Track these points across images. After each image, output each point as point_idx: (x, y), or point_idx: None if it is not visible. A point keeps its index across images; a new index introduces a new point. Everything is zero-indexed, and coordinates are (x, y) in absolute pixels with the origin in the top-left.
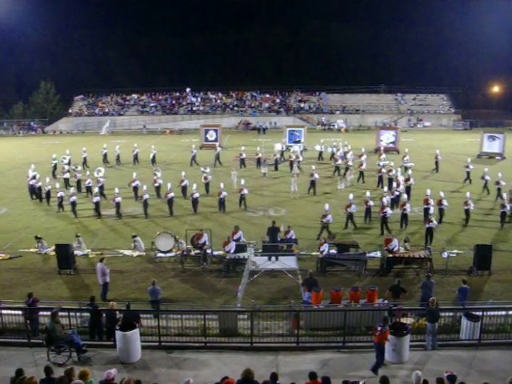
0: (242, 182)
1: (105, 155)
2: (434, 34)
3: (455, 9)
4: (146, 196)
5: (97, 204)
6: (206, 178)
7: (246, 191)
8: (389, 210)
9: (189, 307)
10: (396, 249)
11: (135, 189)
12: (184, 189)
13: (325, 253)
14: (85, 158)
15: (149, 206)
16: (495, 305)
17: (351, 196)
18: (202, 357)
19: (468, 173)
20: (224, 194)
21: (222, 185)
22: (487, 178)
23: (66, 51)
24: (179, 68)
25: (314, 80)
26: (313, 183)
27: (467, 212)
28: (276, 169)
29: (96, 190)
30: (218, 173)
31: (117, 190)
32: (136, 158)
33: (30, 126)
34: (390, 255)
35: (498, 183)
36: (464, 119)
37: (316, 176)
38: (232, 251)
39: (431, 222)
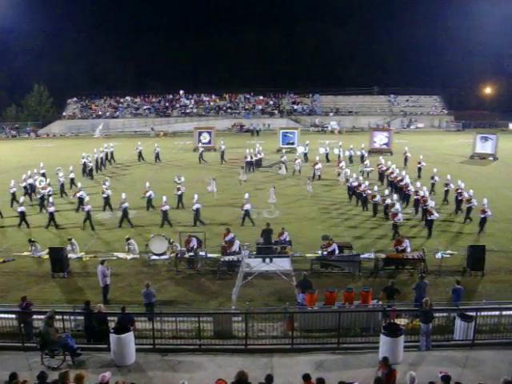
0: (246, 195)
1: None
2: (426, 35)
3: (448, 11)
4: (88, 207)
5: (51, 214)
6: (178, 189)
7: (249, 206)
8: (435, 214)
9: (183, 310)
10: (409, 250)
11: (80, 199)
12: (150, 200)
13: (336, 252)
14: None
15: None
16: (489, 305)
17: (396, 199)
18: (197, 359)
19: (419, 169)
20: (197, 206)
21: (196, 196)
22: (436, 178)
23: (59, 54)
24: (172, 70)
25: (307, 82)
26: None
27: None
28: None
29: (22, 198)
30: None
31: (51, 200)
32: (142, 155)
33: (25, 129)
34: (384, 256)
35: (447, 185)
36: (457, 120)
37: (389, 201)
38: (237, 250)
39: (432, 214)
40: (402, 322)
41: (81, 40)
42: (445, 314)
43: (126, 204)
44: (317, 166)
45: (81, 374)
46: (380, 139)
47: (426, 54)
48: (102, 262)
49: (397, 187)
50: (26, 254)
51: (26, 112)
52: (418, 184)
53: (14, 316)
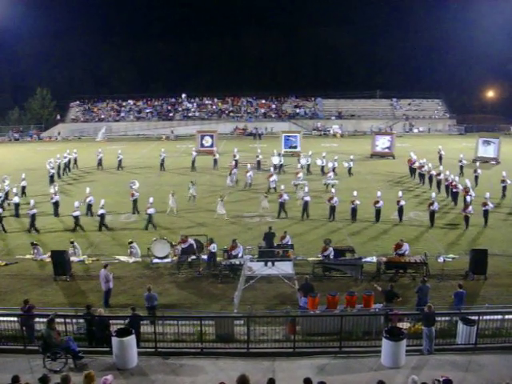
0: (151, 199)
1: (72, 161)
2: (429, 39)
3: (450, 15)
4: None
5: None
6: (133, 195)
7: (152, 210)
8: (490, 204)
9: (185, 313)
10: (407, 253)
11: (16, 205)
12: (89, 206)
13: (331, 256)
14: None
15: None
16: (491, 309)
17: (434, 194)
18: (199, 363)
19: (461, 167)
20: (101, 211)
21: (76, 203)
22: (479, 172)
23: (61, 57)
24: (175, 74)
25: (309, 86)
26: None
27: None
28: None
29: None
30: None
31: None
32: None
33: (28, 132)
34: (385, 259)
35: (503, 181)
36: (459, 124)
37: (403, 203)
38: (240, 255)
39: (487, 204)
40: (404, 325)
41: (83, 43)
42: (447, 318)
43: (35, 210)
44: (271, 178)
45: (90, 374)
46: (382, 143)
47: (428, 58)
48: (105, 266)
49: (431, 180)
50: (28, 257)
51: (29, 115)
52: (467, 181)
53: (16, 319)
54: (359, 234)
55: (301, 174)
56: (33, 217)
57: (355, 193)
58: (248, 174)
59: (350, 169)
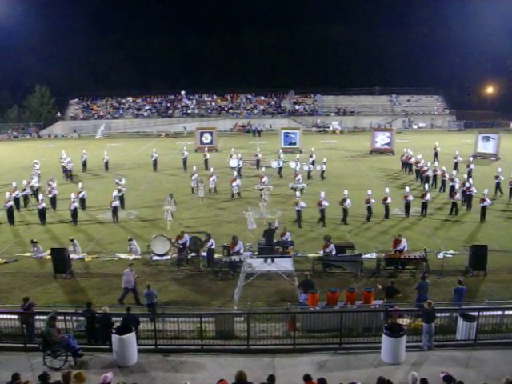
0: (114, 193)
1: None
2: (428, 35)
3: (450, 10)
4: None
5: None
6: (119, 191)
7: (117, 203)
8: (488, 201)
9: (185, 310)
10: (405, 249)
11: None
12: (83, 200)
13: (333, 253)
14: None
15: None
16: (491, 305)
17: (427, 186)
18: (199, 360)
19: (456, 164)
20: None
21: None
22: (472, 167)
23: (60, 55)
24: (174, 71)
25: (308, 82)
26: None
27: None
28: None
29: None
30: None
31: None
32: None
33: (28, 130)
34: (383, 255)
35: (497, 177)
36: (458, 120)
37: (411, 198)
38: (242, 251)
39: (485, 200)
40: (404, 322)
41: (82, 41)
42: (447, 314)
43: (11, 203)
44: (234, 183)
45: (80, 374)
46: (382, 139)
47: (427, 54)
48: (130, 265)
49: (422, 176)
50: (28, 254)
51: (28, 113)
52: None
53: (16, 317)
54: (365, 230)
55: (265, 178)
56: (10, 209)
57: (369, 191)
58: (211, 179)
59: (322, 172)
